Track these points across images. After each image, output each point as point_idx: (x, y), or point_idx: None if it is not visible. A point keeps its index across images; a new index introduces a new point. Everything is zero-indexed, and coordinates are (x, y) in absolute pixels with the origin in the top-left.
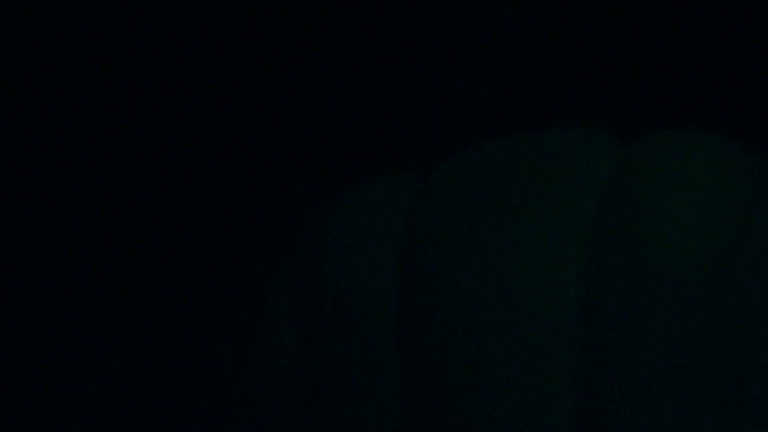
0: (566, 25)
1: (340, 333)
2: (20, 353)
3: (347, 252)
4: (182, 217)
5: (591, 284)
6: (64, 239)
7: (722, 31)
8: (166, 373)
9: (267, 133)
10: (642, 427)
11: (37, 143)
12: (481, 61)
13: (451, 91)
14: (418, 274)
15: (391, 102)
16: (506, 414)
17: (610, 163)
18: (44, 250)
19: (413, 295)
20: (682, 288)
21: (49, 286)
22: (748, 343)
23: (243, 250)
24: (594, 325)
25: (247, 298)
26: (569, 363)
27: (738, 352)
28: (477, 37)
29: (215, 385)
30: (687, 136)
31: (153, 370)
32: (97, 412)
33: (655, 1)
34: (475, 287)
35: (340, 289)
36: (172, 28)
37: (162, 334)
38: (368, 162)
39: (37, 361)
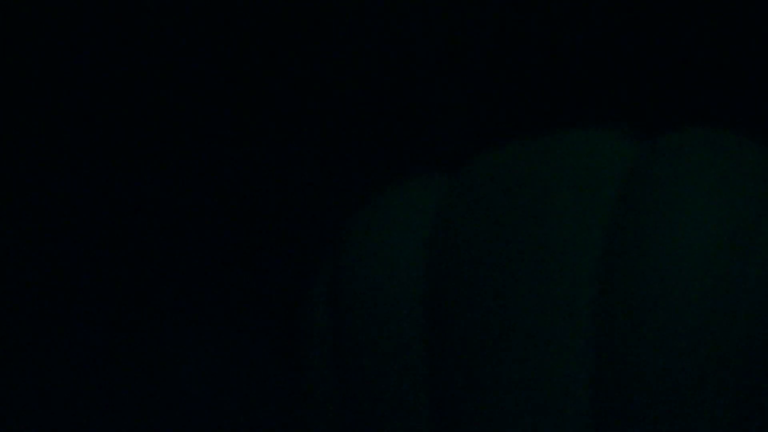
0: (583, 23)
1: (370, 338)
2: (68, 352)
3: (375, 255)
4: (221, 224)
5: (606, 283)
6: (111, 246)
7: (743, 28)
8: (205, 378)
9: (301, 139)
10: (657, 424)
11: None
12: (501, 61)
13: (472, 92)
14: (443, 275)
15: (416, 104)
16: (524, 415)
17: (628, 163)
18: (90, 254)
19: (439, 296)
20: (696, 287)
21: (92, 291)
22: (758, 343)
23: (280, 256)
24: (609, 324)
25: (285, 303)
26: (586, 364)
27: (751, 354)
28: (494, 35)
29: (253, 390)
30: (706, 134)
31: (190, 375)
32: (128, 414)
33: None
34: (494, 289)
35: (369, 293)
36: (205, 31)
37: (203, 340)
38: (397, 165)
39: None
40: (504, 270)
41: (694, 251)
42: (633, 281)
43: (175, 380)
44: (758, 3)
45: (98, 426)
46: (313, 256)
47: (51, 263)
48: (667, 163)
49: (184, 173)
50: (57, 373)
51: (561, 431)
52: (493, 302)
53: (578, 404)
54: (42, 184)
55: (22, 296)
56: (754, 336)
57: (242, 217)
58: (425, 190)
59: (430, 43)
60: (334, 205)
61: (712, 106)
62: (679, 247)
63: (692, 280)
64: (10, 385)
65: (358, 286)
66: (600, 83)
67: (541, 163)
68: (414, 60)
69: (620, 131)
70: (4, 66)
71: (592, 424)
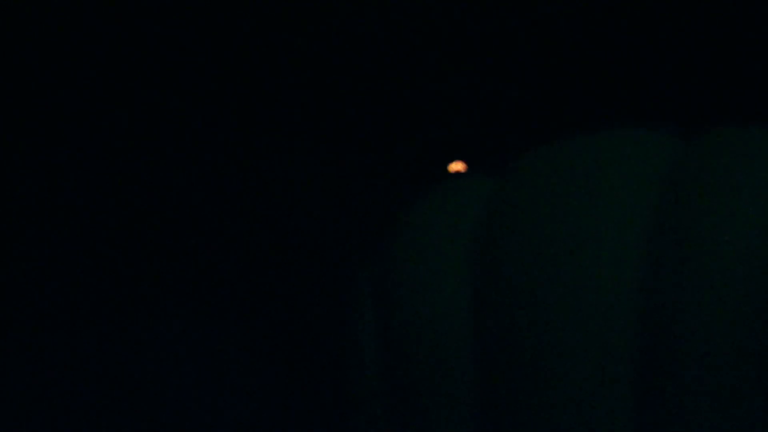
0: (628, 21)
1: (417, 336)
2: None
3: (423, 253)
4: (273, 217)
5: (650, 284)
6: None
7: None
8: (254, 370)
9: (353, 134)
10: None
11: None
12: (542, 60)
13: (520, 89)
14: (490, 272)
15: (464, 103)
16: (568, 417)
17: (672, 161)
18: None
19: (486, 293)
20: (742, 286)
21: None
22: None
23: (330, 249)
24: (654, 321)
25: (333, 296)
26: (629, 363)
27: None
28: (532, 32)
29: (301, 383)
30: (749, 131)
31: (241, 367)
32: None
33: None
34: (539, 287)
35: (416, 288)
36: (272, 32)
37: (250, 333)
38: (443, 165)
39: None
40: (550, 268)
41: (738, 248)
42: (678, 278)
43: (263, 378)
44: None
45: (98, 426)
46: (351, 258)
47: (57, 264)
48: (712, 160)
49: (229, 175)
50: (57, 373)
51: (605, 427)
52: (539, 299)
53: (622, 400)
54: (63, 186)
55: (23, 297)
56: None
57: (278, 223)
58: (472, 189)
59: (470, 44)
60: (378, 206)
61: (756, 102)
62: (722, 243)
63: (737, 277)
64: (9, 385)
65: (406, 284)
66: (644, 81)
67: (585, 162)
68: (455, 60)
69: (664, 129)
70: (4, 66)
71: (634, 417)
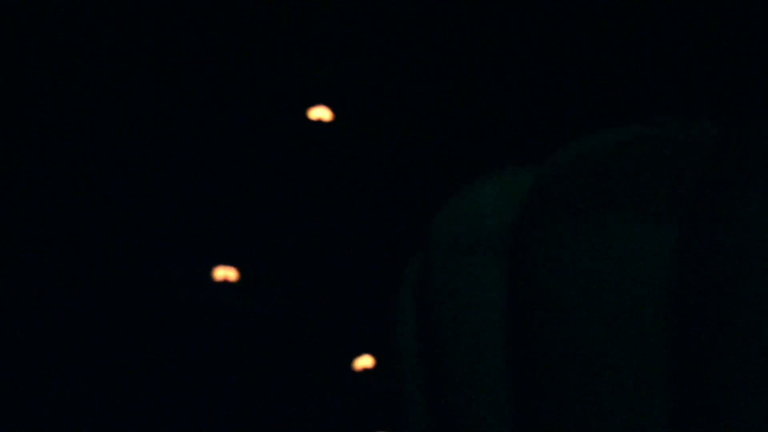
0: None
1: (453, 333)
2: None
3: (459, 251)
4: (318, 223)
5: (682, 279)
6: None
7: None
8: (300, 371)
9: (381, 136)
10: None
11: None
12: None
13: (553, 84)
14: (527, 268)
15: (499, 101)
16: (602, 410)
17: (709, 153)
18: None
19: (522, 290)
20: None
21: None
22: None
23: (373, 251)
24: (685, 317)
25: (377, 298)
26: (660, 361)
27: None
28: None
29: (346, 386)
30: None
31: (284, 369)
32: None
33: None
34: (576, 284)
35: (452, 288)
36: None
37: (295, 335)
38: (483, 160)
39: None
40: (581, 265)
41: None
42: (709, 276)
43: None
44: None
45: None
46: (396, 252)
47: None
48: (746, 153)
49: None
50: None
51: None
52: (575, 297)
53: (654, 414)
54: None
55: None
56: None
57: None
58: (510, 184)
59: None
60: (419, 201)
61: None
62: (757, 236)
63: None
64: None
65: (444, 280)
66: (687, 73)
67: (623, 154)
68: (485, 57)
69: (703, 121)
70: (4, 66)
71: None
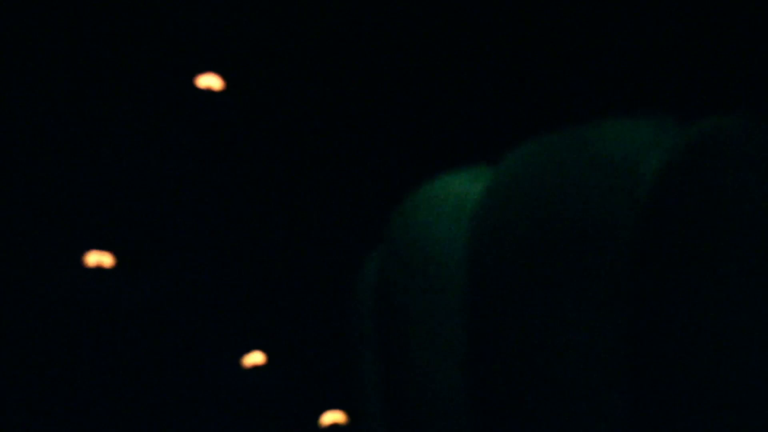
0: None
1: (412, 330)
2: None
3: (419, 247)
4: (280, 217)
5: (641, 281)
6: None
7: None
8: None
9: (352, 130)
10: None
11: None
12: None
13: (514, 81)
14: (486, 267)
15: (457, 97)
16: (562, 411)
17: (669, 150)
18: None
19: (482, 289)
20: (747, 280)
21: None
22: None
23: (332, 248)
24: (645, 326)
25: (336, 291)
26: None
27: None
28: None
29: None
30: (746, 119)
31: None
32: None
33: None
34: (534, 283)
35: (413, 285)
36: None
37: (254, 332)
38: (443, 156)
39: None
40: (542, 264)
41: (741, 240)
42: (667, 273)
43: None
44: None
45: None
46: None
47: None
48: (708, 150)
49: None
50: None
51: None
52: (533, 296)
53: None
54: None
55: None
56: None
57: (283, 216)
58: (469, 181)
59: (463, 36)
60: (377, 201)
61: (753, 90)
62: (722, 234)
63: (741, 271)
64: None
65: (404, 277)
66: (640, 70)
67: (580, 154)
68: (450, 54)
69: (661, 118)
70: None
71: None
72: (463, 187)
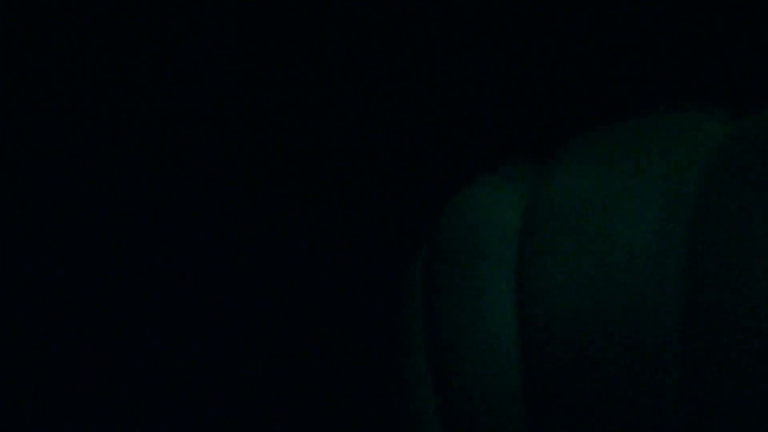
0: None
1: (463, 335)
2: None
3: (464, 253)
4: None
5: (693, 278)
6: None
7: None
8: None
9: (388, 130)
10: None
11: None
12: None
13: (553, 79)
14: (535, 266)
15: (503, 95)
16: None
17: (715, 145)
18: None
19: (531, 287)
20: None
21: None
22: None
23: (376, 250)
24: (697, 315)
25: (383, 299)
26: (672, 353)
27: None
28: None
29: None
30: None
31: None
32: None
33: None
34: (586, 281)
35: (458, 293)
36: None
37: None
38: (488, 156)
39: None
40: (592, 261)
41: None
42: (719, 270)
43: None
44: None
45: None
46: (405, 248)
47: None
48: (754, 143)
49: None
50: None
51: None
52: (576, 300)
53: (666, 393)
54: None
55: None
56: None
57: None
58: (517, 179)
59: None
60: (426, 197)
61: None
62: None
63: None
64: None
65: (451, 277)
66: (692, 61)
67: (628, 148)
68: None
69: (711, 112)
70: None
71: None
72: (509, 186)
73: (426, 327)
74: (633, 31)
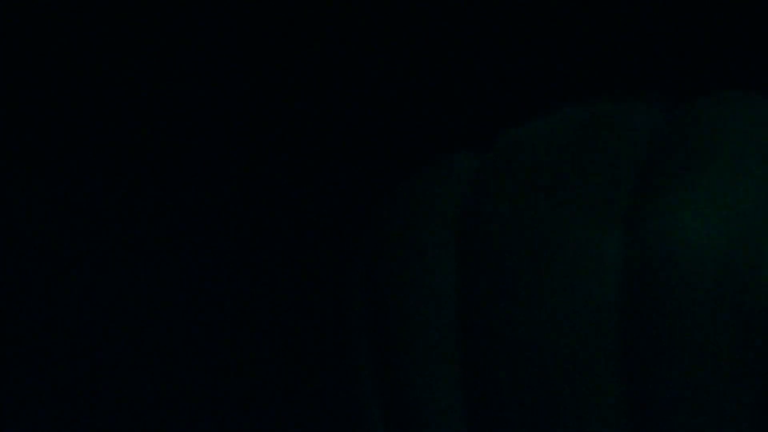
0: None
1: (402, 329)
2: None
3: (406, 242)
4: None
5: (629, 279)
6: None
7: None
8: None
9: (319, 131)
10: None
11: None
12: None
13: (502, 64)
14: (473, 262)
15: (442, 82)
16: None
17: (653, 132)
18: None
19: (470, 285)
20: (715, 281)
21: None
22: None
23: (313, 243)
24: (634, 321)
25: (322, 293)
26: (613, 355)
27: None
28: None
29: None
30: (738, 98)
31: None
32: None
33: None
34: (520, 276)
35: (402, 286)
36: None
37: (241, 332)
38: (430, 144)
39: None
40: (526, 255)
41: (719, 224)
42: (654, 276)
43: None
44: None
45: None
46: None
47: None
48: (694, 132)
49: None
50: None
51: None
52: (524, 287)
53: (607, 406)
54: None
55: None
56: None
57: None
58: (453, 172)
59: (448, 18)
60: (359, 196)
61: (749, 68)
62: (701, 222)
63: (708, 258)
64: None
65: (391, 277)
66: (630, 48)
67: (565, 138)
68: (434, 36)
69: (649, 100)
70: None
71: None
72: (451, 176)
73: (368, 315)
74: (570, 20)
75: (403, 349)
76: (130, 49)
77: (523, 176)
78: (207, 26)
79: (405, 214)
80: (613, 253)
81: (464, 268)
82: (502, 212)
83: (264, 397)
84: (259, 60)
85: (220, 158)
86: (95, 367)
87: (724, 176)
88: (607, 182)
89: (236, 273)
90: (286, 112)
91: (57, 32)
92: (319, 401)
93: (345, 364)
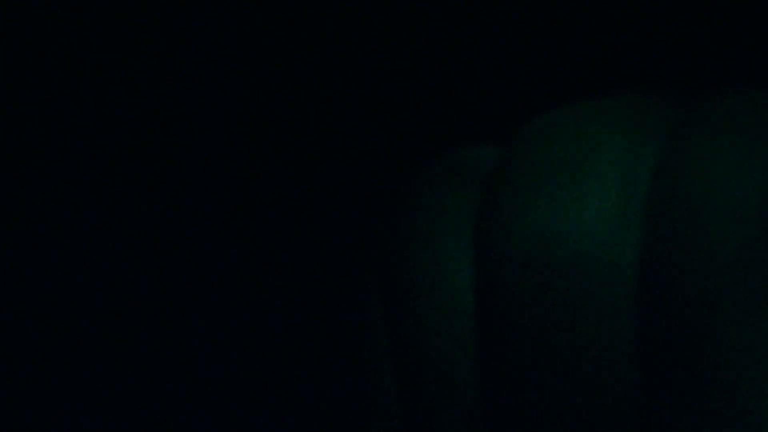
0: None
1: (419, 323)
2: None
3: (423, 233)
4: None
5: (648, 275)
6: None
7: None
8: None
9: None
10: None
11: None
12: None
13: (521, 56)
14: (489, 253)
15: (457, 79)
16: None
17: (669, 126)
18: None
19: (487, 278)
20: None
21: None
22: None
23: (325, 240)
24: (652, 297)
25: (336, 287)
26: (630, 333)
27: None
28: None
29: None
30: (752, 93)
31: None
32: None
33: None
34: (539, 262)
35: (418, 272)
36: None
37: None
38: (446, 135)
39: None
40: (544, 243)
41: (731, 211)
42: (672, 264)
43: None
44: None
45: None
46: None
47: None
48: (708, 125)
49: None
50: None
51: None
52: (542, 280)
53: (623, 367)
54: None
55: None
56: None
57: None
58: (470, 163)
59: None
60: (372, 191)
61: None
62: (715, 211)
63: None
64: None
65: (407, 274)
66: (646, 41)
67: (582, 130)
68: (447, 30)
69: (665, 93)
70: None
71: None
72: (463, 171)
73: (383, 314)
74: (586, 14)
75: (418, 347)
76: (130, 49)
77: (541, 169)
78: (211, 26)
79: (419, 208)
80: (631, 251)
81: (481, 262)
82: (520, 206)
83: (273, 398)
84: (274, 52)
85: (231, 154)
86: (95, 367)
87: (744, 151)
88: (627, 176)
89: (244, 273)
90: (297, 107)
91: (57, 32)
92: (332, 403)
93: (360, 365)
